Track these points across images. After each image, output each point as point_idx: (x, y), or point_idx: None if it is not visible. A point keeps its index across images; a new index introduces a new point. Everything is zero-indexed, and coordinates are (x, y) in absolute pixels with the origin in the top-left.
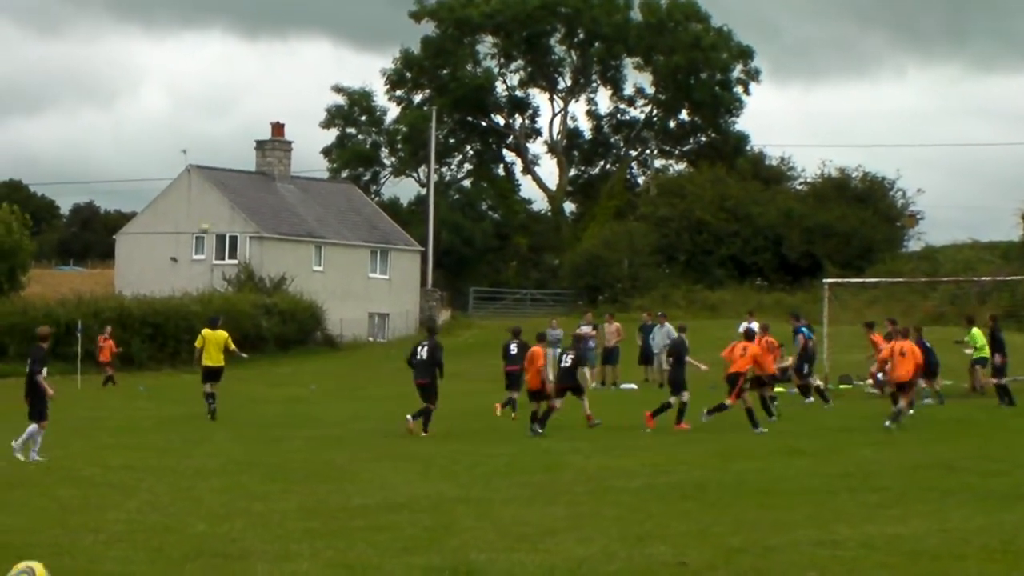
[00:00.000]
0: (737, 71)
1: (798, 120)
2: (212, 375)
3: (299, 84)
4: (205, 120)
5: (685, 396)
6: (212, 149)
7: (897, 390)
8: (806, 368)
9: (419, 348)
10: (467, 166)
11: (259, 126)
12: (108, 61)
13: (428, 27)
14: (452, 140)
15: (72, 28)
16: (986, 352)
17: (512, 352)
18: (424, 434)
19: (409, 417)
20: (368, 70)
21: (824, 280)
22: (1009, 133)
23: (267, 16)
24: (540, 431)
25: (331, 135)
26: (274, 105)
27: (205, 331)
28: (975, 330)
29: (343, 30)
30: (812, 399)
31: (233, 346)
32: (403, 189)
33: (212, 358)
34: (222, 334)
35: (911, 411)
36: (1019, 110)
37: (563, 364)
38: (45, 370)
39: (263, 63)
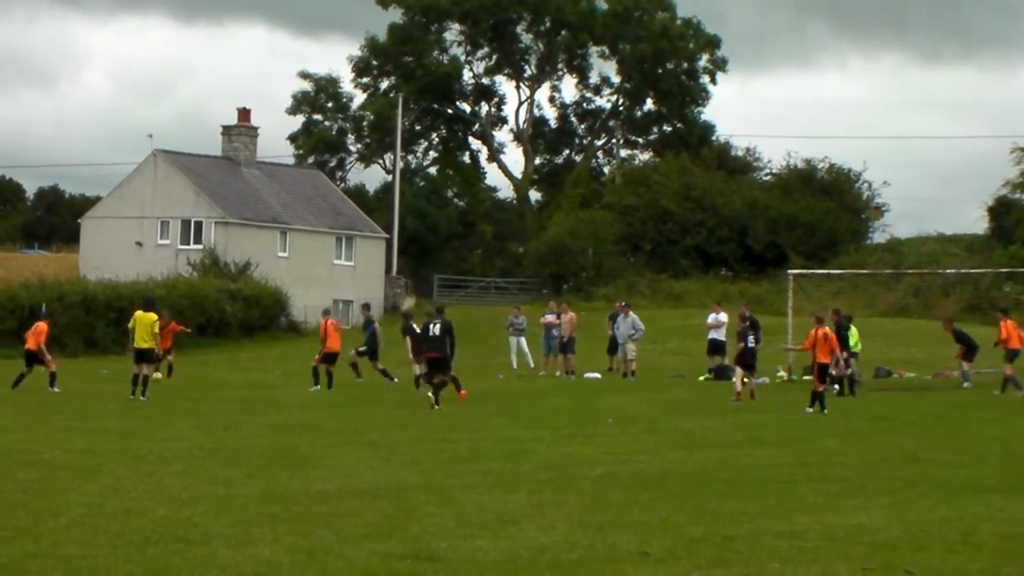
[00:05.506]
0: (703, 60)
1: (754, 111)
2: (138, 356)
3: (236, 69)
4: (146, 104)
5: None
6: (156, 133)
7: None
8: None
9: (431, 325)
10: (433, 153)
11: (201, 110)
12: (48, 44)
13: (395, 14)
14: (418, 127)
15: (8, 11)
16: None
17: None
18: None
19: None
20: (304, 56)
21: (789, 271)
22: (953, 125)
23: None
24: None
25: (289, 121)
26: (215, 89)
27: (137, 312)
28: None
29: (278, 16)
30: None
31: (156, 330)
32: (369, 176)
33: (137, 339)
34: (150, 316)
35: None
36: (962, 101)
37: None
38: None
39: (201, 47)
